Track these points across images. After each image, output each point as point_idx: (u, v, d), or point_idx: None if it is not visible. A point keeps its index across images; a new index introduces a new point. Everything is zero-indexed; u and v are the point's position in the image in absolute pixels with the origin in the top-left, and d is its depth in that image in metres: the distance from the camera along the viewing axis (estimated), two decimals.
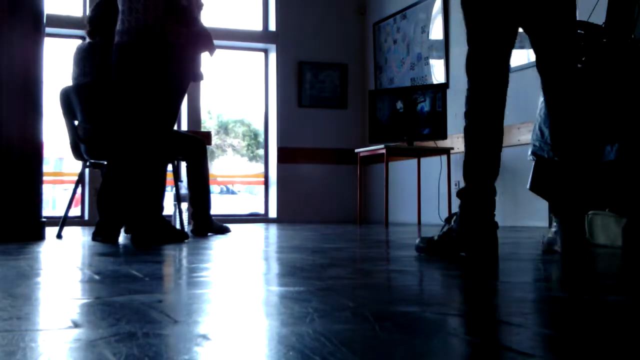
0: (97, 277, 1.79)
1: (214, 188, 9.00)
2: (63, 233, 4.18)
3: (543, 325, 1.10)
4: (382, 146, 6.33)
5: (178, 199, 4.51)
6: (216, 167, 9.98)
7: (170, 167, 4.20)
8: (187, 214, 4.64)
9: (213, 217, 4.37)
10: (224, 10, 7.92)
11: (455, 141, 6.46)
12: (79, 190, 6.36)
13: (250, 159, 10.64)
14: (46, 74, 4.02)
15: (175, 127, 5.10)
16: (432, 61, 6.95)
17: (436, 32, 6.87)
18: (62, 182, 8.11)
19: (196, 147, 4.33)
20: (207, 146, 4.60)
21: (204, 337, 0.95)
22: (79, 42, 4.05)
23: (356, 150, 6.91)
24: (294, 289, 1.49)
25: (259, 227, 5.86)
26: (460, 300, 1.41)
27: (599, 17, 3.57)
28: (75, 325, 1.04)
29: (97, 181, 5.38)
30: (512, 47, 2.64)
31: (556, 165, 2.62)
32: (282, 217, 7.73)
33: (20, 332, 0.99)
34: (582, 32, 3.36)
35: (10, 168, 3.82)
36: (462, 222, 2.33)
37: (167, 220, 3.53)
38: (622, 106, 3.06)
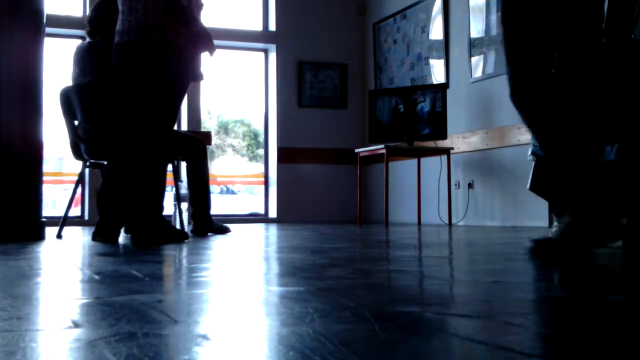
0: (97, 277, 1.79)
1: (214, 188, 9.00)
2: (63, 233, 4.18)
3: (543, 325, 1.10)
4: (382, 146, 6.33)
5: (178, 199, 4.51)
6: (216, 167, 9.98)
7: (170, 167, 4.20)
8: (187, 214, 4.64)
9: (213, 217, 4.37)
10: (224, 10, 7.92)
11: (455, 141, 6.47)
12: (79, 190, 6.36)
13: (250, 159, 10.64)
14: (46, 74, 4.02)
15: (175, 127, 5.10)
16: (432, 61, 6.96)
17: (436, 32, 6.87)
18: (62, 182, 8.11)
19: (196, 147, 4.32)
20: (207, 146, 4.60)
21: (204, 337, 0.95)
22: (79, 42, 4.04)
23: (356, 150, 6.91)
24: (294, 289, 1.49)
25: (259, 227, 5.86)
26: (460, 300, 1.41)
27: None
28: (75, 325, 1.04)
29: (97, 181, 5.38)
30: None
31: (556, 165, 2.61)
32: (282, 217, 7.73)
33: (20, 332, 0.99)
34: None
35: (10, 168, 3.82)
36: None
37: (167, 220, 3.53)
38: (622, 106, 3.06)
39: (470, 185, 6.38)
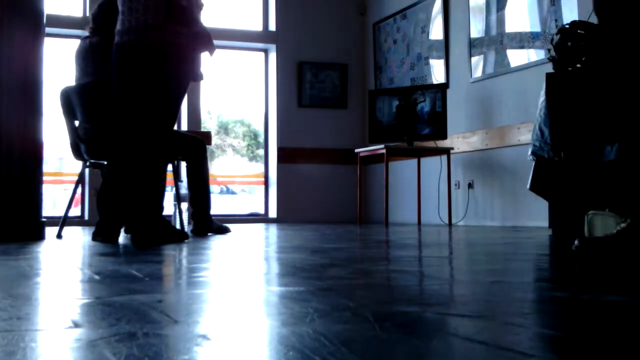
0: (97, 277, 1.79)
1: (214, 188, 9.00)
2: (63, 233, 4.18)
3: (543, 325, 1.10)
4: (382, 146, 6.33)
5: (178, 199, 4.51)
6: (216, 167, 9.98)
7: (170, 167, 4.20)
8: (187, 214, 4.64)
9: (213, 217, 4.37)
10: (224, 10, 7.92)
11: (455, 141, 6.47)
12: (79, 190, 6.36)
13: (250, 159, 10.64)
14: (46, 74, 4.02)
15: (175, 127, 5.10)
16: (432, 61, 6.95)
17: (436, 32, 6.87)
18: (62, 182, 8.11)
19: (196, 147, 4.32)
20: (207, 146, 4.60)
21: (204, 337, 0.95)
22: (79, 42, 4.03)
23: (356, 150, 6.91)
24: (294, 289, 1.49)
25: (259, 227, 5.86)
26: (460, 300, 1.41)
27: None
28: (75, 325, 1.04)
29: (97, 181, 5.38)
30: None
31: (556, 165, 2.61)
32: (282, 217, 7.73)
33: (20, 332, 0.99)
34: (582, 32, 3.36)
35: (10, 168, 3.82)
36: None
37: (167, 220, 3.53)
38: (622, 106, 3.05)
39: (470, 185, 6.38)
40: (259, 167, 8.42)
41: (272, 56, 7.95)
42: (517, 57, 5.78)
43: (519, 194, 5.56)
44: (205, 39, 3.44)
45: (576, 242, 2.38)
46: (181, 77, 3.38)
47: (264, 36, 7.95)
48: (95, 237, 3.67)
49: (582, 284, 1.66)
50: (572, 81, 3.40)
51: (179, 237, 3.45)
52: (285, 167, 7.81)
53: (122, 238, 3.75)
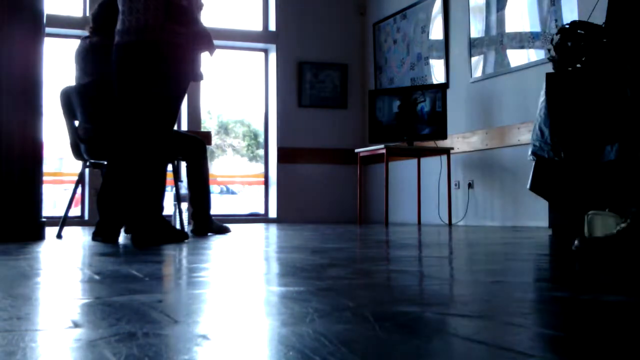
0: (97, 277, 1.79)
1: (214, 188, 9.00)
2: (63, 233, 4.18)
3: (543, 325, 1.10)
4: (382, 146, 6.33)
5: (178, 199, 4.51)
6: (216, 167, 9.98)
7: (170, 167, 4.20)
8: (187, 214, 4.64)
9: (213, 217, 4.37)
10: (224, 10, 7.92)
11: (455, 141, 6.47)
12: (79, 190, 6.36)
13: (250, 159, 10.64)
14: (46, 74, 4.03)
15: (175, 127, 5.10)
16: (432, 61, 6.96)
17: (436, 32, 6.87)
18: (62, 182, 8.11)
19: (196, 147, 4.32)
20: (207, 146, 4.60)
21: (204, 337, 0.95)
22: (79, 42, 4.03)
23: (356, 150, 6.91)
24: (294, 289, 1.49)
25: (259, 227, 5.86)
26: (460, 300, 1.41)
27: (599, 17, 3.57)
28: (75, 325, 1.04)
29: (97, 181, 5.38)
30: None
31: (556, 165, 2.61)
32: (282, 217, 7.73)
33: (20, 332, 0.99)
34: (582, 32, 3.36)
35: (10, 168, 3.82)
36: None
37: (167, 220, 3.53)
38: (622, 106, 3.06)
39: (470, 185, 6.38)
40: (259, 167, 8.42)
41: (272, 56, 7.95)
42: (517, 57, 5.78)
43: (519, 194, 5.56)
44: (205, 39, 3.44)
45: (576, 242, 2.37)
46: (181, 77, 3.38)
47: (264, 36, 7.95)
48: (95, 237, 3.67)
49: (582, 284, 1.66)
50: (572, 81, 3.40)
51: (179, 237, 3.45)
52: (285, 167, 7.81)
53: (122, 238, 3.75)
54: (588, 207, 3.15)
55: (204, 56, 3.52)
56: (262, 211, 8.06)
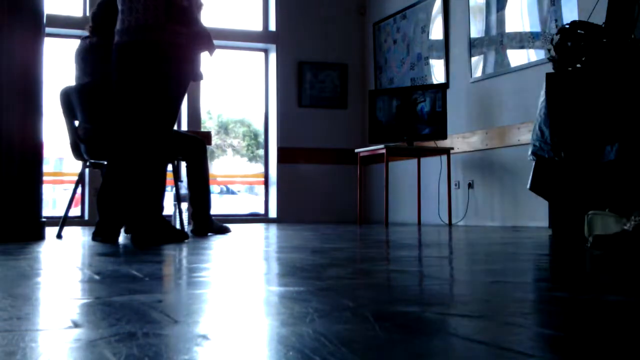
0: (97, 277, 1.79)
1: (214, 188, 9.00)
2: (63, 233, 4.18)
3: (543, 325, 1.10)
4: (382, 146, 6.33)
5: (178, 199, 4.51)
6: (216, 167, 9.98)
7: (170, 167, 4.20)
8: (187, 214, 4.64)
9: (213, 217, 4.37)
10: (224, 10, 7.92)
11: (455, 141, 6.47)
12: (79, 190, 6.36)
13: (250, 159, 10.64)
14: (46, 74, 4.03)
15: (175, 127, 5.10)
16: (432, 61, 6.96)
17: (436, 32, 6.87)
18: (62, 182, 8.11)
19: (196, 147, 4.32)
20: (207, 146, 4.60)
21: (204, 337, 0.95)
22: (78, 42, 4.03)
23: (356, 150, 6.91)
24: (294, 289, 1.49)
25: (259, 227, 5.86)
26: (460, 300, 1.41)
27: (599, 17, 3.57)
28: (75, 325, 1.04)
29: (97, 181, 5.38)
30: None
31: (556, 165, 2.61)
32: (282, 217, 7.73)
33: (20, 332, 0.99)
34: (582, 32, 3.36)
35: (10, 168, 3.82)
36: None
37: (167, 220, 3.53)
38: (622, 106, 3.06)
39: (470, 185, 6.38)
40: (259, 167, 8.42)
41: (272, 56, 7.95)
42: (517, 57, 5.78)
43: (519, 194, 5.56)
44: (205, 39, 3.44)
45: (590, 239, 2.38)
46: (181, 77, 3.38)
47: (264, 36, 7.95)
48: (95, 237, 3.67)
49: (582, 284, 1.66)
50: (572, 81, 3.40)
51: (179, 237, 3.45)
52: (285, 167, 7.81)
53: (122, 238, 3.75)
54: (588, 207, 3.15)
55: (204, 56, 3.52)
56: (262, 211, 8.06)
